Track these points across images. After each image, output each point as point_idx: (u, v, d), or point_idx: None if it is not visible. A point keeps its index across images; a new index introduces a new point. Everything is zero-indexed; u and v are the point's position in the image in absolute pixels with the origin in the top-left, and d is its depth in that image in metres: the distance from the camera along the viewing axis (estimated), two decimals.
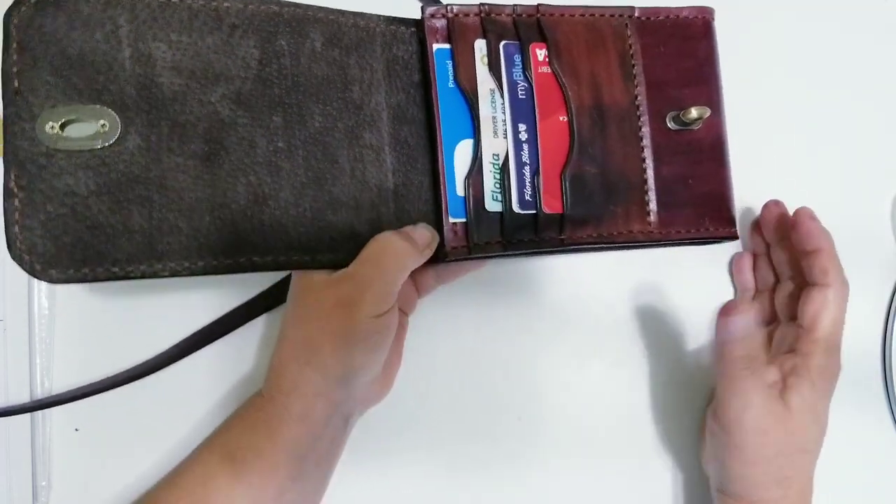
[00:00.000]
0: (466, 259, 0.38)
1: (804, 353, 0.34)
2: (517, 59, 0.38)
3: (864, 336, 0.41)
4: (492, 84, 0.38)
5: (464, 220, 0.37)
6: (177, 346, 0.40)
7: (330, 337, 0.33)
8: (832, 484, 0.35)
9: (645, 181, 0.38)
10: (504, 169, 0.37)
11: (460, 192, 0.37)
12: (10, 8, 0.31)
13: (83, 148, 0.31)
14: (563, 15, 0.38)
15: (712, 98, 0.39)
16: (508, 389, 0.39)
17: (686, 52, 0.39)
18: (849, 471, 0.37)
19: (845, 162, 0.43)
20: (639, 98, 0.38)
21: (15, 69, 0.31)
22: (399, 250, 0.34)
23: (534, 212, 0.37)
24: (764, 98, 0.42)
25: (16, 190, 0.30)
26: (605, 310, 0.42)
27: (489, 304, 0.41)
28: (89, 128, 0.31)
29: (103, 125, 0.31)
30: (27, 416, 0.39)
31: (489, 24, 0.38)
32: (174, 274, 0.32)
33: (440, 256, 0.37)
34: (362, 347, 0.33)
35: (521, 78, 0.38)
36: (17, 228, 0.30)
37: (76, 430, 0.39)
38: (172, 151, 0.32)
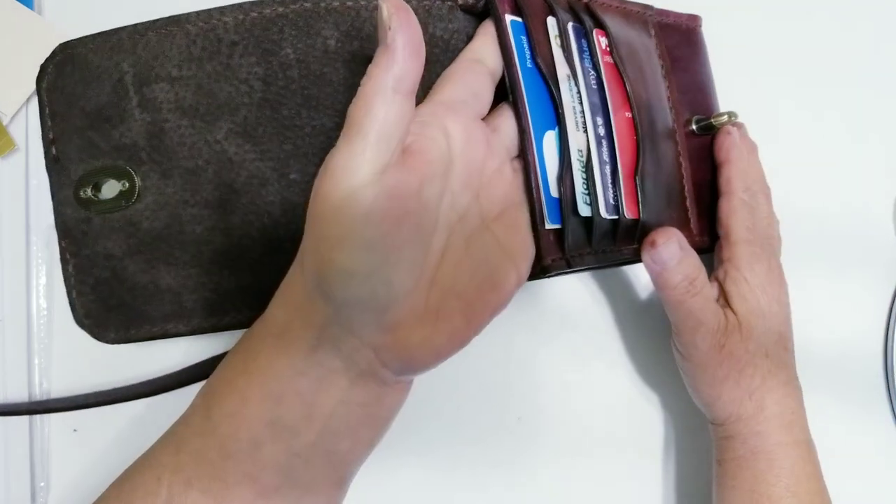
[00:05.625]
0: (564, 274, 0.31)
1: (728, 259, 0.34)
2: (584, 44, 0.31)
3: (866, 336, 0.40)
4: (566, 69, 0.30)
5: (559, 226, 0.29)
6: (181, 373, 0.36)
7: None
8: (832, 484, 0.34)
9: (684, 186, 0.34)
10: (588, 167, 0.30)
11: (554, 192, 0.29)
12: (38, 74, 0.31)
13: (113, 209, 0.31)
14: (604, 4, 0.33)
15: (712, 103, 0.37)
16: (508, 389, 0.38)
17: (692, 56, 0.37)
18: (849, 470, 0.36)
19: (846, 163, 0.41)
20: (671, 99, 0.34)
21: (51, 135, 0.31)
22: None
23: (616, 217, 0.30)
24: (764, 99, 0.40)
25: (68, 256, 0.31)
26: (605, 309, 0.40)
27: None
28: (114, 188, 0.31)
29: (124, 184, 0.31)
30: (26, 416, 0.38)
31: (553, 1, 0.30)
32: (203, 331, 0.31)
33: (537, 272, 0.30)
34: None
35: (590, 65, 0.31)
36: (74, 294, 0.32)
37: (75, 430, 0.38)
38: (187, 203, 0.30)
